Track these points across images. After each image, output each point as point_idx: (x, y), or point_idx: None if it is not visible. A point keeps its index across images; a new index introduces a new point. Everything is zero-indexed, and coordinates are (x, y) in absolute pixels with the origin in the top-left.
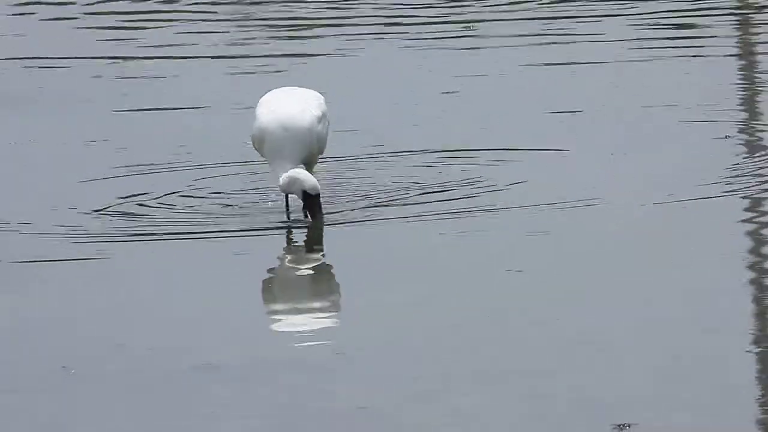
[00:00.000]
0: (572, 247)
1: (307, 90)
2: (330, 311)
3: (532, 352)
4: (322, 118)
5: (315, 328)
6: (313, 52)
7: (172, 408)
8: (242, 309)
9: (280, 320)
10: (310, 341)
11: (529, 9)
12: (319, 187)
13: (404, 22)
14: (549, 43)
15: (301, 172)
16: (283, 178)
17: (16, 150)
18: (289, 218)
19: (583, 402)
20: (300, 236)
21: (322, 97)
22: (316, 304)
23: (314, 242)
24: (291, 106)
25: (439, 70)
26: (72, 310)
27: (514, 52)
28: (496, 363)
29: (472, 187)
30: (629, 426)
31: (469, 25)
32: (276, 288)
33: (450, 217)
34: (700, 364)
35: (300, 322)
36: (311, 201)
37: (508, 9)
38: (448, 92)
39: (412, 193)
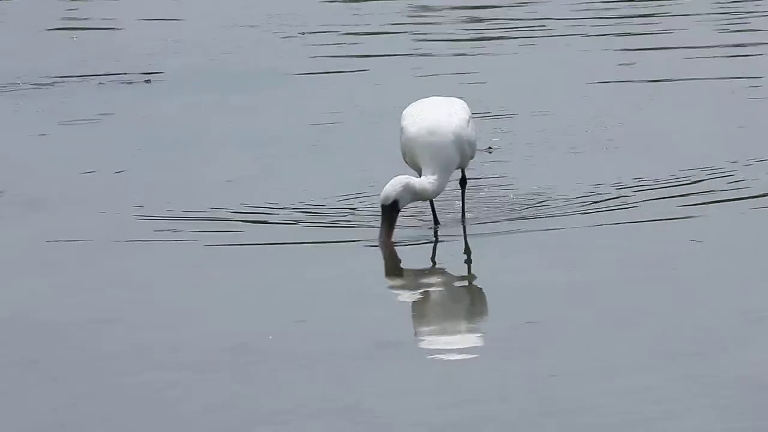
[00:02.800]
0: None
1: (448, 98)
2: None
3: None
4: (470, 121)
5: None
6: None
7: (347, 382)
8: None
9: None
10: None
11: None
12: (388, 199)
13: None
14: None
15: (401, 179)
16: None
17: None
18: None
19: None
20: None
21: (464, 102)
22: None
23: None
24: (436, 113)
25: None
26: (251, 289)
27: None
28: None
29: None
30: None
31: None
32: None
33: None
34: None
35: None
36: (383, 212)
37: None
38: None
39: None
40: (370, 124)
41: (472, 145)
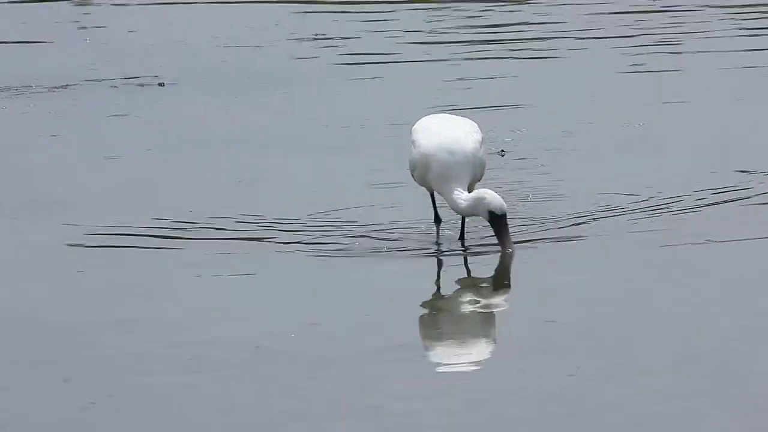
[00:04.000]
0: None
1: (458, 117)
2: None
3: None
4: (483, 142)
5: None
6: None
7: (356, 385)
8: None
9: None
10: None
11: None
12: (506, 207)
13: None
14: None
15: (488, 192)
16: (467, 199)
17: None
18: (463, 244)
19: None
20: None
21: (476, 124)
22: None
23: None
24: (453, 130)
25: None
26: (271, 295)
27: None
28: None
29: None
30: None
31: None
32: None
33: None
34: None
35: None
36: (498, 222)
37: None
38: None
39: None
40: (387, 128)
41: (482, 167)
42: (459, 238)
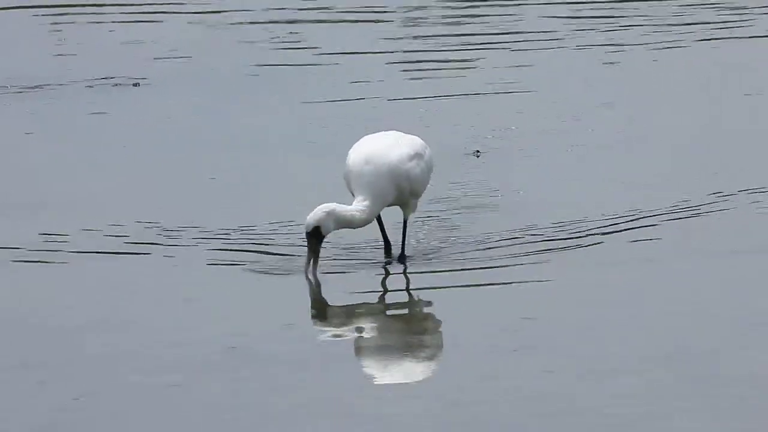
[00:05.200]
0: None
1: (406, 134)
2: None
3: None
4: (415, 158)
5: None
6: None
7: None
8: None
9: None
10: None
11: None
12: (309, 227)
13: None
14: None
15: (325, 206)
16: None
17: None
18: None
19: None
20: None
21: (422, 141)
22: None
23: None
24: (378, 143)
25: None
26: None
27: None
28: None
29: None
30: None
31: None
32: None
33: None
34: None
35: None
36: (307, 240)
37: None
38: None
39: None
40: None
41: (413, 182)
42: (398, 257)
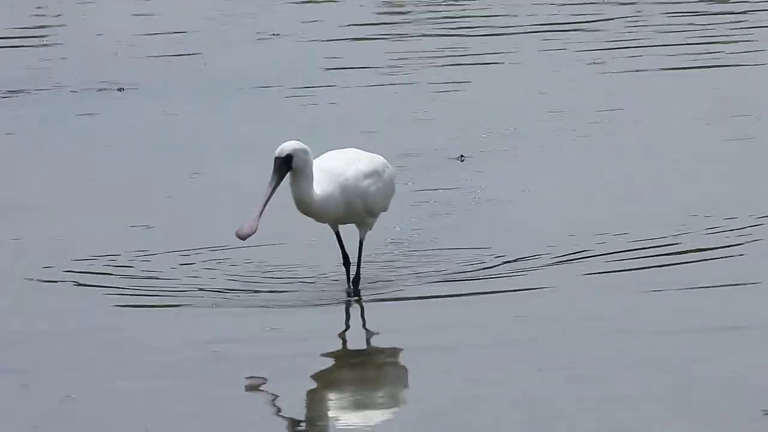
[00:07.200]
0: None
1: (370, 153)
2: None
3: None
4: (371, 175)
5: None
6: None
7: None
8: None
9: None
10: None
11: None
12: (283, 152)
13: None
14: None
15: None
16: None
17: None
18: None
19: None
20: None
21: (384, 160)
22: None
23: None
24: (335, 160)
25: None
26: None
27: None
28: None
29: None
30: None
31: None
32: None
33: None
34: None
35: None
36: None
37: None
38: None
39: None
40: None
41: (367, 201)
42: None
